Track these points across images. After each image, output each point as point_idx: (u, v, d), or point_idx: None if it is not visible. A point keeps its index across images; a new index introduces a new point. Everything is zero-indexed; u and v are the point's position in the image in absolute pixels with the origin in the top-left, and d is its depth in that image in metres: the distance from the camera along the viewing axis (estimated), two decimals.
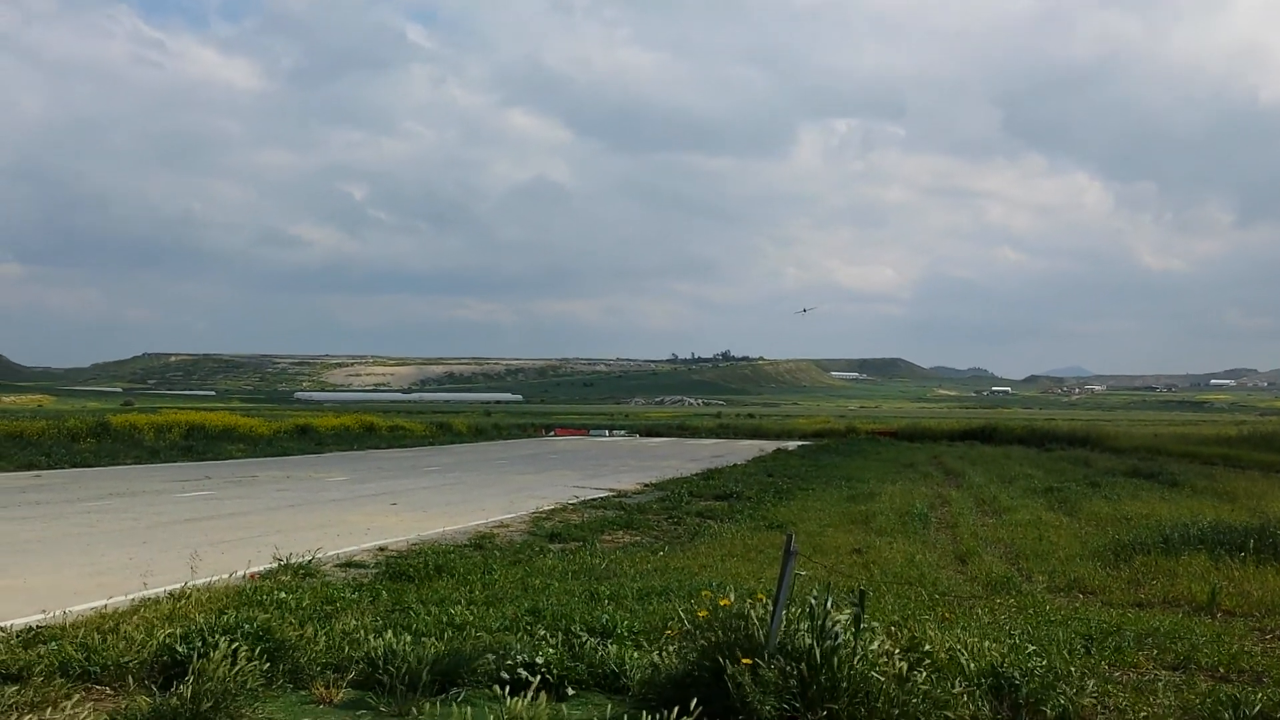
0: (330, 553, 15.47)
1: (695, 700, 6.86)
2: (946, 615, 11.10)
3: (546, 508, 23.58)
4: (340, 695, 8.13)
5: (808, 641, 7.30)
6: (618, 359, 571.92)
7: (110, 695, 8.04)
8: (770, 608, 7.59)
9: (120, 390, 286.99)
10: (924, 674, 7.56)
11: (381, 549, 16.47)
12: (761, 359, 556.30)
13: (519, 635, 9.53)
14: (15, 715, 7.36)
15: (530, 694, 7.15)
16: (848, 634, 7.41)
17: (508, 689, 7.42)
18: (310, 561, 13.90)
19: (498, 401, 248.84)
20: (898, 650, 7.83)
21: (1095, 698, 8.06)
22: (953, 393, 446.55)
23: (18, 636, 9.24)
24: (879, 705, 7.18)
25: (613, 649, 8.93)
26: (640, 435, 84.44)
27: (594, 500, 25.98)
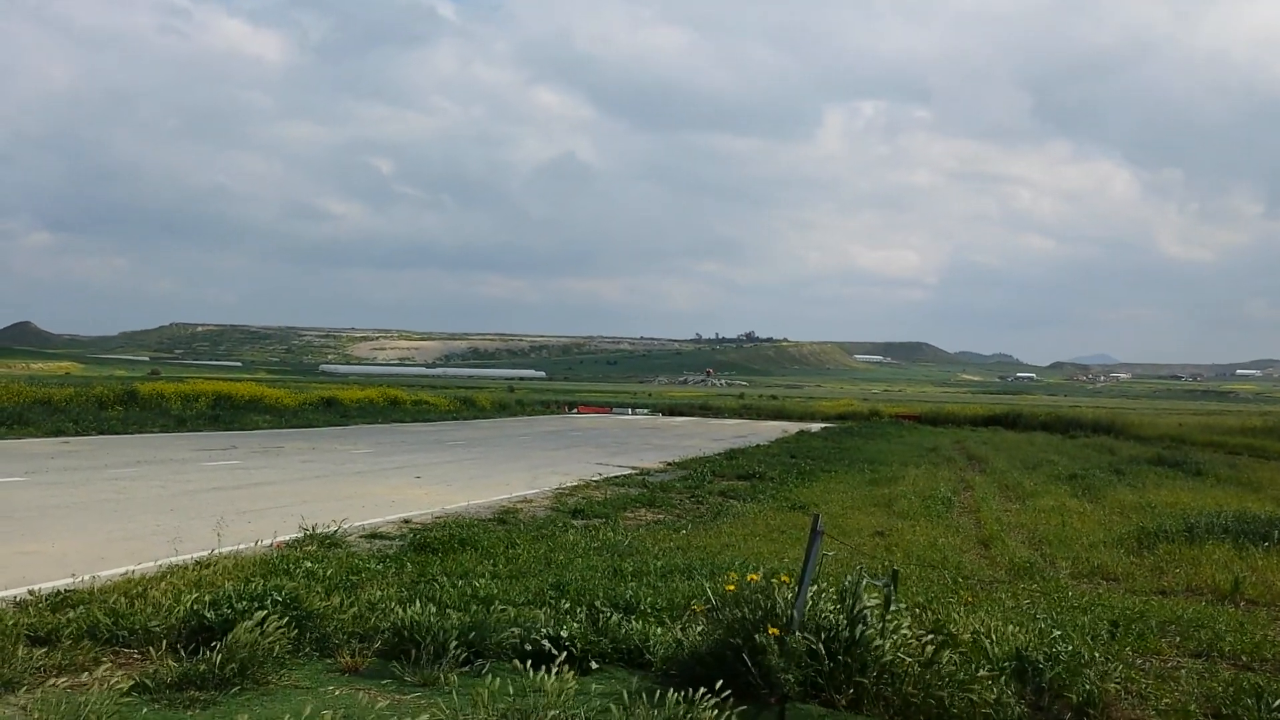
0: (355, 524, 15.55)
1: (719, 676, 6.89)
2: (970, 599, 11.09)
3: (569, 484, 23.63)
4: (366, 664, 8.19)
5: (835, 619, 7.32)
6: (641, 338, 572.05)
7: (138, 660, 8.10)
8: (794, 586, 7.60)
9: (147, 359, 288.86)
10: (949, 656, 7.57)
11: (406, 521, 16.56)
12: (785, 340, 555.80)
13: (543, 609, 9.57)
14: (44, 678, 7.45)
15: (555, 667, 7.19)
16: (876, 614, 7.43)
17: (531, 662, 7.47)
18: (336, 532, 13.98)
19: (521, 378, 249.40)
20: (924, 632, 7.84)
21: (1119, 684, 8.06)
22: (977, 378, 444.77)
23: (46, 600, 9.30)
24: (905, 686, 7.21)
25: (636, 624, 8.96)
26: (663, 414, 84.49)
27: (617, 478, 26.03)
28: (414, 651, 8.13)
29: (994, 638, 8.37)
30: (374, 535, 15.04)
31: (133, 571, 10.67)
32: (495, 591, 10.34)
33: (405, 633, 8.38)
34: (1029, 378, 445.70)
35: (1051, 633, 8.94)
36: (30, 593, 9.56)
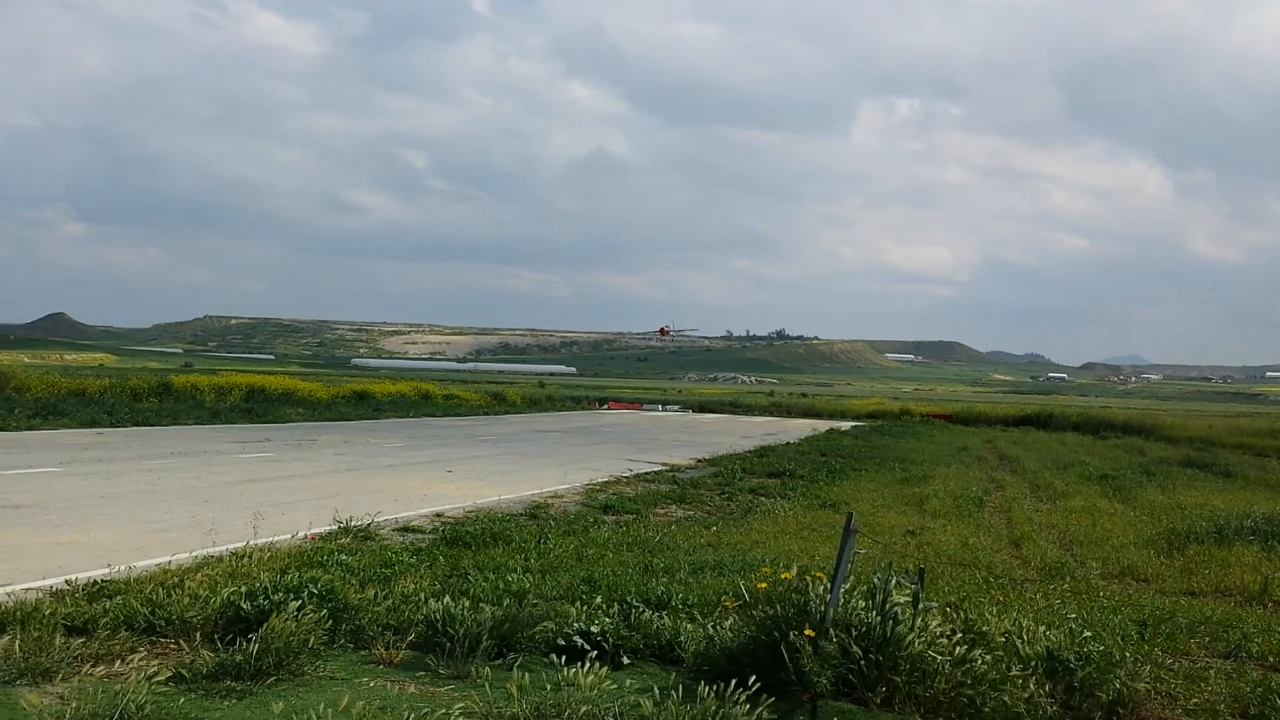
0: (388, 517, 15.66)
1: (751, 672, 6.90)
2: (1002, 599, 11.06)
3: (600, 480, 23.68)
4: (400, 656, 8.26)
5: (867, 617, 7.32)
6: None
7: (175, 650, 8.18)
8: (827, 584, 7.61)
9: (180, 351, 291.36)
10: (981, 655, 7.56)
11: (438, 515, 16.65)
12: (816, 338, 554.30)
13: (575, 604, 9.60)
14: (81, 666, 7.54)
15: (587, 662, 7.22)
16: (907, 612, 7.43)
17: (564, 656, 7.52)
18: (369, 525, 14.06)
19: (551, 373, 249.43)
20: (955, 631, 7.83)
21: (1149, 683, 8.12)
22: (1008, 377, 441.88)
23: (83, 590, 9.41)
24: (936, 684, 7.21)
25: (668, 620, 8.99)
26: (693, 411, 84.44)
27: (647, 474, 26.06)
28: (447, 644, 8.19)
29: (1025, 637, 8.35)
30: (406, 528, 15.13)
31: (169, 562, 10.78)
32: (527, 586, 10.40)
33: (439, 626, 8.44)
34: (1060, 378, 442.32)
35: (1082, 633, 8.92)
36: (67, 583, 9.66)
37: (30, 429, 30.66)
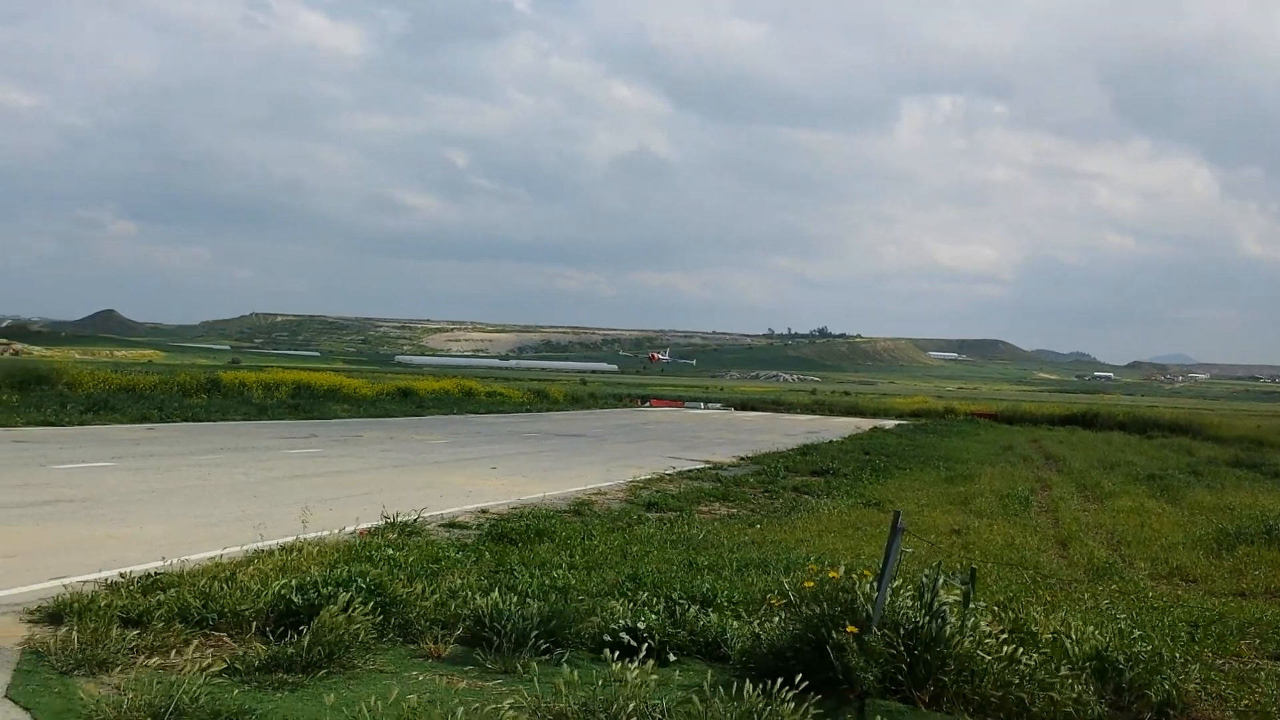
0: (434, 513, 15.76)
1: (798, 670, 6.90)
2: (1050, 599, 10.99)
3: (643, 477, 23.72)
4: (448, 650, 8.34)
5: (915, 616, 7.31)
6: (713, 332, 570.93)
7: (227, 642, 8.30)
8: (874, 583, 7.60)
9: (228, 348, 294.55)
10: (1030, 655, 7.53)
11: (483, 511, 16.76)
12: (859, 336, 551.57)
13: (620, 600, 9.64)
14: (137, 658, 7.67)
15: (635, 658, 7.25)
16: (956, 611, 7.41)
17: (611, 652, 7.56)
18: (416, 520, 14.15)
19: (594, 371, 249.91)
20: (1004, 630, 7.80)
21: (1198, 684, 8.05)
22: (1053, 376, 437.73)
23: (137, 583, 9.55)
24: (985, 684, 7.18)
25: (713, 617, 9.02)
26: (735, 409, 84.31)
27: (690, 471, 26.07)
28: (495, 639, 8.27)
29: (1074, 637, 8.31)
30: (452, 524, 15.25)
31: (220, 556, 10.90)
32: (573, 582, 10.45)
33: (486, 621, 8.51)
34: (1106, 377, 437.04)
35: (1131, 633, 8.87)
36: (122, 575, 9.79)
37: (83, 424, 31.12)
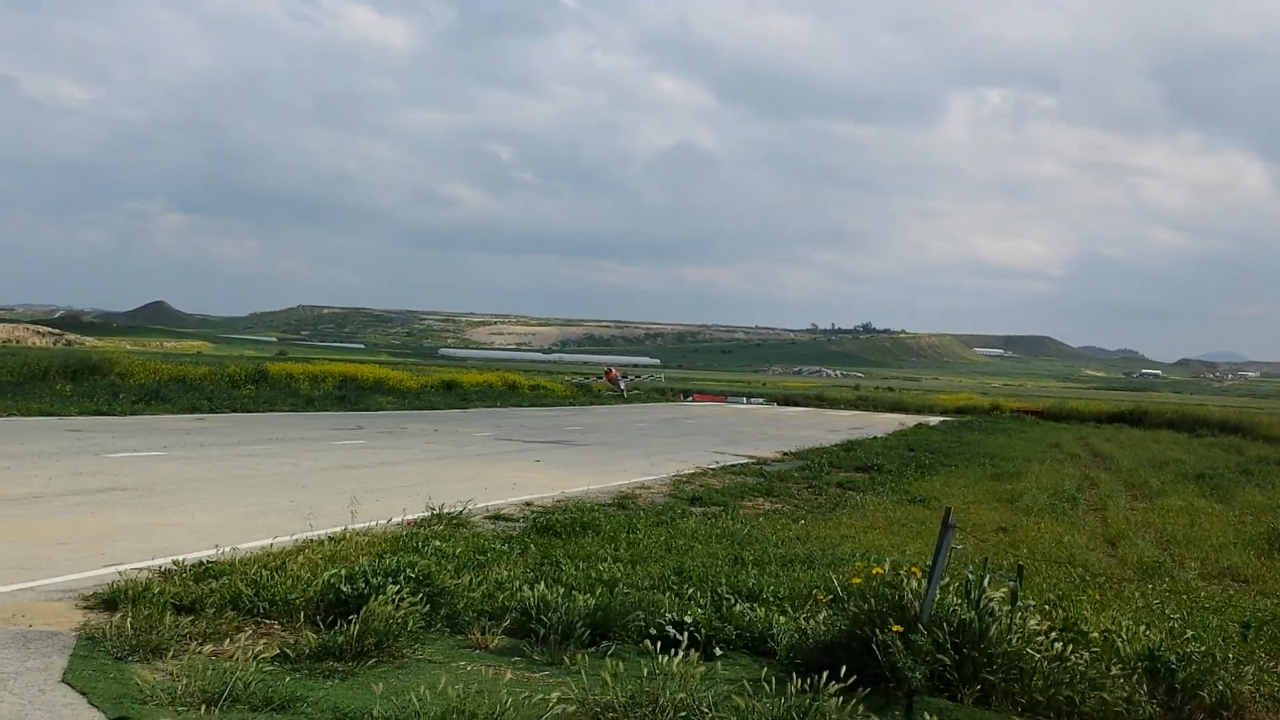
0: (479, 505, 15.83)
1: (845, 666, 6.89)
2: (1098, 597, 10.90)
3: (687, 471, 23.72)
4: (495, 642, 8.40)
5: (963, 614, 7.27)
6: (756, 327, 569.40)
7: (278, 630, 8.40)
8: (921, 580, 7.57)
9: (275, 340, 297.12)
10: (1079, 654, 7.47)
11: (528, 504, 16.83)
12: (903, 332, 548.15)
13: (666, 594, 9.67)
14: (190, 645, 7.79)
15: (681, 651, 7.27)
16: (1004, 609, 7.37)
17: (657, 645, 7.58)
18: (461, 512, 14.25)
19: (636, 365, 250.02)
20: (1053, 629, 7.75)
21: (1252, 686, 7.92)
22: (1100, 374, 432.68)
23: (190, 570, 9.69)
24: (1034, 682, 7.14)
25: (759, 612, 9.02)
26: (778, 404, 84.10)
27: (733, 466, 26.04)
28: (541, 631, 8.31)
29: (1125, 636, 8.23)
30: (497, 516, 15.33)
31: (270, 545, 11.04)
32: (618, 575, 10.46)
33: (533, 613, 8.56)
34: (1154, 374, 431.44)
35: (1183, 633, 8.78)
36: (174, 563, 9.95)
37: (134, 413, 31.57)
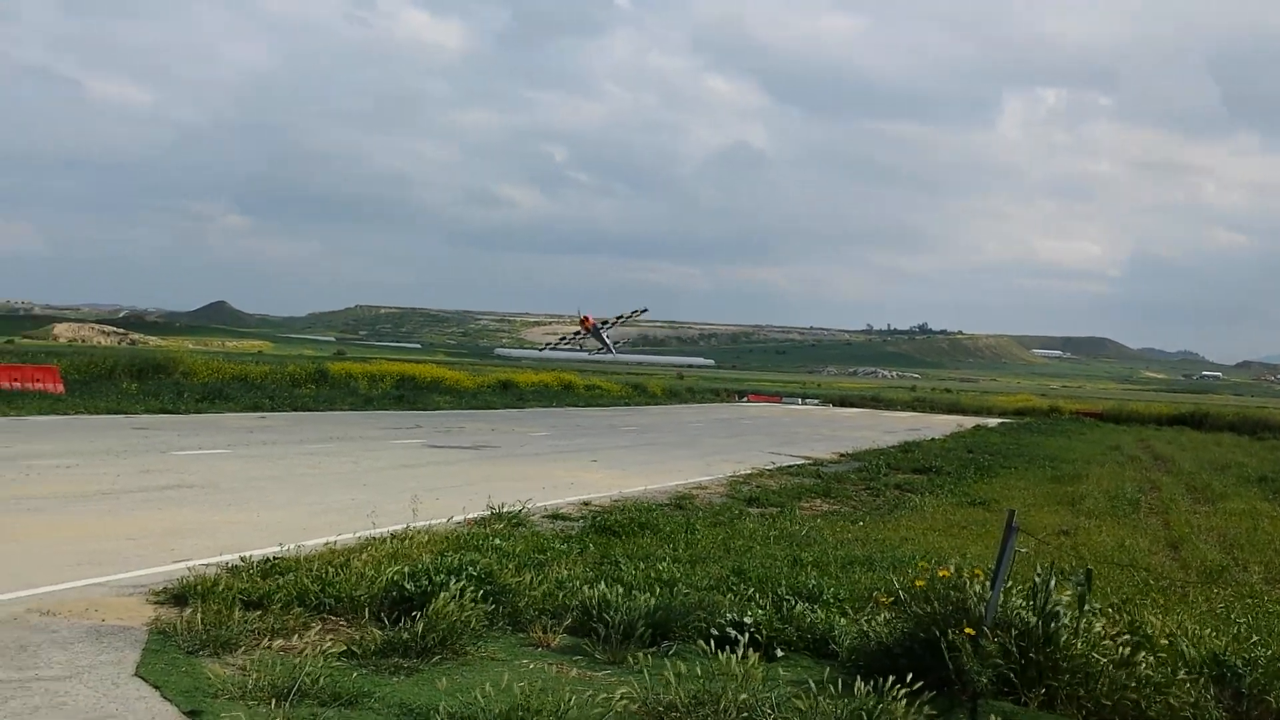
0: (537, 504, 15.90)
1: (908, 669, 6.86)
2: (1162, 601, 10.76)
3: (743, 472, 23.69)
4: (557, 640, 8.46)
5: (1028, 617, 7.22)
6: (810, 328, 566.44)
7: (344, 626, 8.51)
8: (985, 582, 7.52)
9: (333, 339, 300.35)
10: (1145, 658, 7.39)
11: (585, 503, 16.90)
12: (960, 333, 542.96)
13: (726, 595, 9.68)
14: (259, 640, 7.92)
15: (742, 652, 7.28)
16: (1071, 613, 7.31)
17: (717, 645, 7.59)
18: (521, 511, 14.34)
19: (690, 365, 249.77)
20: (1119, 633, 7.67)
21: None
22: (1160, 375, 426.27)
23: (257, 566, 9.83)
24: (1099, 686, 7.07)
25: (820, 614, 9.00)
26: (833, 405, 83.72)
27: (790, 467, 25.97)
28: (603, 630, 8.35)
29: (1190, 641, 8.13)
30: (555, 516, 15.41)
31: (334, 542, 11.17)
32: (677, 575, 10.48)
33: (594, 612, 8.61)
34: (1215, 377, 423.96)
35: (1249, 637, 8.65)
36: (241, 559, 10.10)
37: (198, 412, 32.10)
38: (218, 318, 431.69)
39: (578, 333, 59.60)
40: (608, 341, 63.76)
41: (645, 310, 61.67)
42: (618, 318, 61.81)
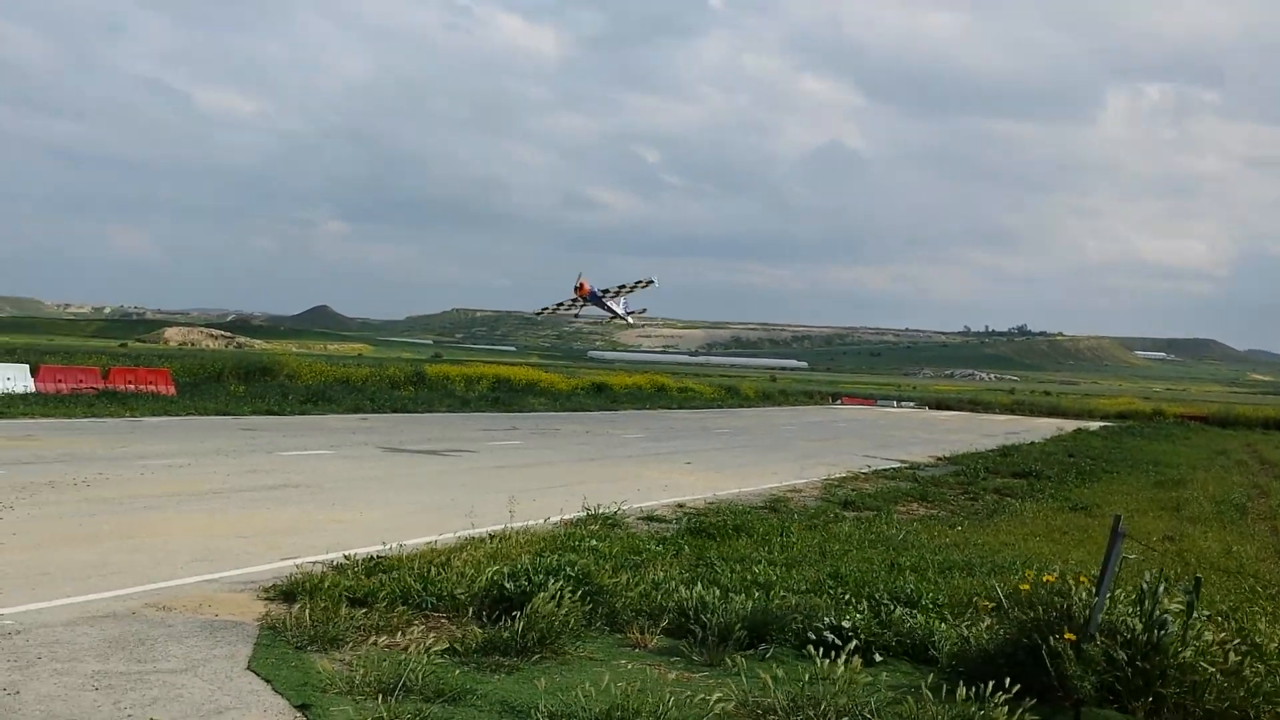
0: (632, 506, 15.99)
1: (1009, 675, 6.79)
2: (1271, 609, 10.47)
3: (838, 475, 23.55)
4: (654, 641, 8.52)
5: (1134, 624, 7.10)
6: (905, 329, 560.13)
7: (446, 624, 8.69)
8: (1090, 588, 7.42)
9: (430, 342, 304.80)
10: (1255, 666, 7.21)
11: (680, 505, 16.95)
12: (1060, 334, 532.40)
13: (822, 598, 9.65)
14: (365, 636, 8.11)
15: (846, 656, 7.27)
16: (1178, 621, 7.16)
17: (817, 650, 7.58)
18: (616, 512, 14.45)
19: (783, 368, 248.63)
20: (1228, 640, 7.50)
21: None
22: (1268, 378, 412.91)
23: (361, 565, 10.08)
24: (1207, 695, 6.92)
25: (919, 619, 8.94)
26: (929, 408, 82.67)
27: (885, 470, 25.74)
28: (699, 632, 8.40)
29: None
30: (650, 517, 15.49)
31: (435, 541, 11.36)
32: (773, 578, 10.48)
33: (690, 613, 8.66)
34: None
35: None
36: (346, 557, 10.37)
37: (302, 413, 32.88)
38: (320, 321, 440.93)
39: (574, 300, 57.23)
40: (616, 309, 60.41)
41: (653, 281, 60.16)
42: (620, 287, 60.70)
